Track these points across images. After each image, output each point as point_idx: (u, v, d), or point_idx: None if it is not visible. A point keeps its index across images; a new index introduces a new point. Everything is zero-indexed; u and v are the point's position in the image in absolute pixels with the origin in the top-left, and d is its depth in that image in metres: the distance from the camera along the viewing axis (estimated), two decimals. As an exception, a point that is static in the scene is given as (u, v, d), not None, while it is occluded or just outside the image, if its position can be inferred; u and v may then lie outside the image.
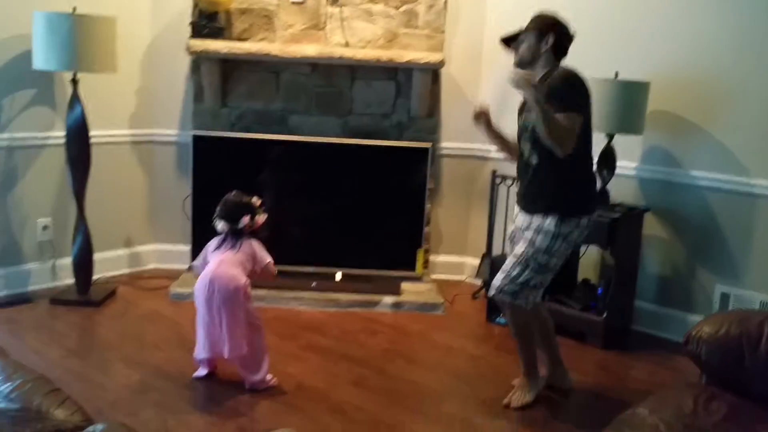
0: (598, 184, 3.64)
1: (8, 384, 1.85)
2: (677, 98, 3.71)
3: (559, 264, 2.89)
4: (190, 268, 3.01)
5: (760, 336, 2.15)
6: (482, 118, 2.96)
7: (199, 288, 2.89)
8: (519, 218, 2.98)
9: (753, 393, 2.11)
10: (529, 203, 2.90)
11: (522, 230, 2.93)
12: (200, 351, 2.96)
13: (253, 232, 3.01)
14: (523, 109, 2.96)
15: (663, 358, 3.54)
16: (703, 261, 3.71)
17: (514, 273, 2.84)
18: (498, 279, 2.89)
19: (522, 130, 2.93)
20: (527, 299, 2.87)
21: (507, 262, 2.91)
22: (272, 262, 3.04)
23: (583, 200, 2.87)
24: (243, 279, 2.88)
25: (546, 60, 2.83)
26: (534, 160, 2.86)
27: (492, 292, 2.92)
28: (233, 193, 3.04)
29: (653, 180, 3.83)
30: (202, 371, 3.05)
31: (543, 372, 3.11)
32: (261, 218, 3.01)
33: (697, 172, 3.68)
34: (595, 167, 3.59)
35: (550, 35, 2.82)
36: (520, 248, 2.86)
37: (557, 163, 2.76)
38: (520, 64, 2.87)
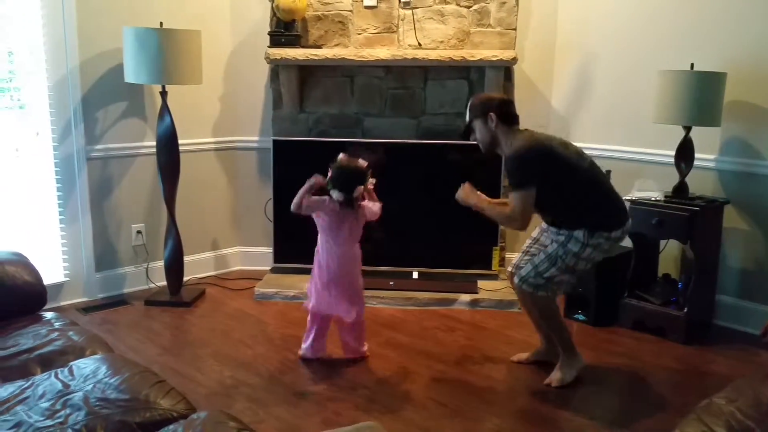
0: (677, 178, 3.60)
1: (117, 377, 2.01)
2: (755, 88, 3.62)
3: (587, 268, 3.07)
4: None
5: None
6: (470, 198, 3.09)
7: (330, 263, 3.13)
8: (545, 229, 3.13)
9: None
10: (555, 224, 3.04)
11: (548, 237, 3.08)
12: (320, 306, 3.19)
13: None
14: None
15: (745, 352, 3.48)
16: (787, 253, 3.61)
17: (542, 268, 2.97)
18: (525, 269, 3.03)
19: None
20: (549, 291, 3.00)
21: (538, 255, 3.03)
22: (380, 206, 3.16)
23: (605, 218, 2.95)
24: (359, 251, 3.19)
25: (503, 135, 2.97)
26: (548, 220, 3.07)
27: (516, 279, 3.06)
28: (345, 158, 3.13)
29: (733, 172, 3.74)
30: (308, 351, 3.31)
31: (542, 343, 3.28)
32: (371, 183, 3.12)
33: (777, 162, 3.59)
34: (672, 160, 3.56)
35: (490, 116, 2.96)
36: (551, 247, 2.99)
37: (568, 210, 2.95)
38: (484, 148, 3.06)
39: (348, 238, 3.15)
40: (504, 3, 4.18)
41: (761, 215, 3.68)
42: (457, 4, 4.20)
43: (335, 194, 3.05)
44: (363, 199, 3.10)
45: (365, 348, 3.34)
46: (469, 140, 3.11)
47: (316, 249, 3.20)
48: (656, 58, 3.50)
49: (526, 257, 3.15)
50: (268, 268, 4.41)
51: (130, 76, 3.74)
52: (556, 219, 3.02)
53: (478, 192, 3.09)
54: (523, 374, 3.24)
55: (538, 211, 3.00)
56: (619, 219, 2.98)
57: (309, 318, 3.29)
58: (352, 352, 3.31)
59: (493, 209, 3.05)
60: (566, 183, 2.91)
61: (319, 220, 3.14)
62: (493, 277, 4.32)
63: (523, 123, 4.37)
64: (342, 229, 3.12)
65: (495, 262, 4.31)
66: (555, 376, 3.09)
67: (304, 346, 3.32)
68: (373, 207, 3.13)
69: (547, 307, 3.06)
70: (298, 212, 3.10)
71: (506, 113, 2.98)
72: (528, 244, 3.22)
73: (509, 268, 3.28)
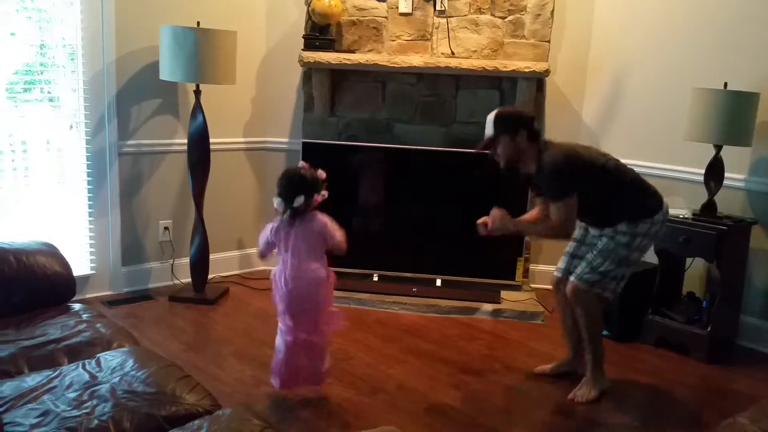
0: (705, 196, 3.57)
1: (144, 370, 2.03)
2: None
3: (639, 259, 3.04)
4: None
5: None
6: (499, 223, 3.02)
7: (285, 277, 2.77)
8: (590, 229, 3.12)
9: None
10: (596, 223, 3.06)
11: (593, 236, 3.08)
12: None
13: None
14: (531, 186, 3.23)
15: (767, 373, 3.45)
16: (813, 276, 3.57)
17: (596, 262, 2.97)
18: (579, 267, 3.02)
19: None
20: (605, 289, 2.98)
21: (591, 253, 3.02)
22: (343, 236, 2.80)
23: (648, 205, 2.98)
24: (323, 272, 2.79)
25: (529, 150, 2.96)
26: (586, 224, 3.10)
27: (572, 278, 3.02)
28: (293, 168, 2.86)
29: (762, 192, 3.71)
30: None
31: (568, 355, 3.26)
32: (320, 197, 2.75)
33: (807, 185, 3.56)
34: (702, 178, 3.55)
35: (520, 129, 2.94)
36: (601, 243, 2.99)
37: (606, 210, 2.98)
38: (506, 163, 3.00)
39: (299, 256, 2.76)
40: (539, 15, 4.17)
41: (789, 237, 3.64)
42: (492, 15, 4.20)
43: (276, 203, 2.75)
44: (307, 209, 2.75)
45: (323, 382, 2.94)
46: (486, 153, 3.05)
47: (272, 274, 2.86)
48: (689, 76, 3.47)
49: (576, 261, 3.12)
50: (292, 269, 4.43)
51: (166, 74, 3.78)
52: (597, 219, 3.03)
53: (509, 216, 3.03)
54: (545, 386, 3.22)
55: (578, 216, 2.99)
56: (656, 202, 3.00)
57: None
58: (309, 381, 2.91)
59: (533, 228, 3.08)
60: (599, 183, 2.94)
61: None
62: (517, 287, 4.30)
63: (553, 135, 4.39)
64: (289, 239, 2.76)
65: (519, 272, 4.29)
66: (581, 392, 3.07)
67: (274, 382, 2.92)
68: (336, 232, 2.79)
69: (595, 311, 3.04)
70: (263, 258, 2.94)
71: (534, 130, 2.99)
72: (572, 246, 3.18)
73: (555, 273, 3.22)
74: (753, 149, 3.66)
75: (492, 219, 3.00)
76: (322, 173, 2.79)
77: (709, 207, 3.60)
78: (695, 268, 3.87)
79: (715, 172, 3.59)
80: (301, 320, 2.81)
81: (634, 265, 3.06)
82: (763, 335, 3.72)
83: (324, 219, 2.80)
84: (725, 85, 3.56)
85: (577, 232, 3.18)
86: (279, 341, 2.88)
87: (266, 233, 2.83)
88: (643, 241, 2.96)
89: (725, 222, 3.51)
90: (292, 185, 2.74)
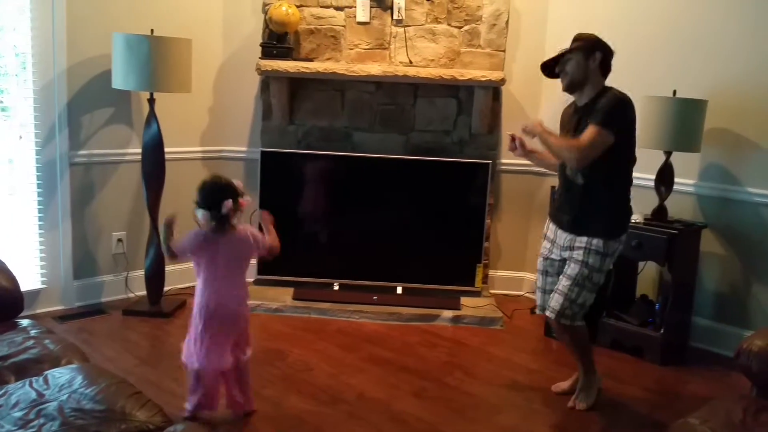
0: (656, 201, 3.65)
1: (93, 387, 1.97)
2: (735, 116, 3.69)
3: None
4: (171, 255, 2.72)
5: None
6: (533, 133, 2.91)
7: (210, 302, 2.65)
8: (559, 235, 3.00)
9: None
10: (575, 225, 2.93)
11: (563, 248, 2.97)
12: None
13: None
14: (566, 124, 2.98)
15: (719, 373, 3.53)
16: (760, 277, 3.67)
17: (574, 295, 2.89)
18: (557, 302, 2.92)
19: None
20: (581, 318, 2.96)
21: (562, 284, 2.93)
22: (273, 237, 2.77)
23: (625, 220, 2.94)
24: (246, 288, 2.75)
25: (595, 79, 2.85)
26: (579, 180, 2.89)
27: (552, 315, 2.95)
28: (211, 176, 2.74)
29: (711, 197, 3.81)
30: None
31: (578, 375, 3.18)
32: (245, 200, 2.65)
33: (754, 189, 3.66)
34: (653, 183, 3.62)
35: (597, 52, 2.84)
36: (573, 270, 2.89)
37: (605, 184, 2.84)
38: (570, 85, 2.88)
39: (227, 269, 2.66)
40: (494, 25, 4.21)
41: (737, 240, 3.74)
42: (449, 24, 4.22)
43: (200, 215, 2.61)
44: (234, 216, 2.64)
45: (253, 402, 2.85)
46: (553, 68, 2.90)
47: (195, 293, 2.71)
48: (640, 84, 3.55)
49: (548, 296, 3.04)
50: (251, 280, 4.37)
51: (119, 83, 3.71)
52: (580, 210, 2.89)
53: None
54: (505, 392, 3.24)
55: (566, 199, 2.93)
56: (627, 220, 2.95)
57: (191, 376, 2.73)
58: (238, 406, 2.80)
59: (558, 138, 2.85)
60: (626, 150, 2.83)
61: (193, 258, 2.68)
62: (476, 293, 4.32)
63: (508, 143, 4.44)
64: (217, 258, 2.64)
65: (478, 279, 4.31)
66: (581, 401, 3.06)
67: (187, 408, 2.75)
68: (264, 237, 2.75)
69: (582, 335, 3.01)
70: (173, 257, 2.73)
71: (608, 62, 2.86)
72: (546, 282, 3.08)
73: (542, 312, 3.13)
74: (702, 155, 3.75)
75: (530, 122, 2.92)
76: (239, 182, 2.67)
77: (660, 212, 3.68)
78: (648, 272, 3.94)
79: (665, 177, 3.67)
80: (225, 339, 2.67)
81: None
82: (714, 336, 3.80)
83: (247, 227, 2.73)
84: (674, 93, 3.64)
85: (544, 247, 3.09)
86: (195, 363, 2.66)
87: (191, 239, 2.66)
88: (611, 262, 2.92)
89: (676, 226, 3.59)
90: (216, 191, 2.60)
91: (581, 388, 3.09)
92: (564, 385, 3.24)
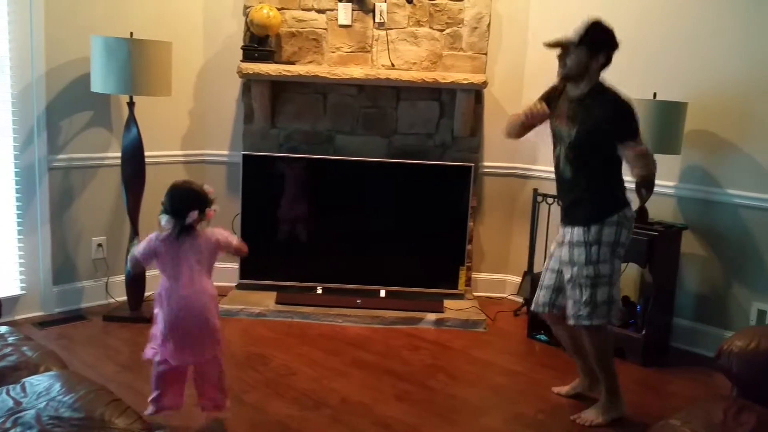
0: (637, 203, 3.66)
1: (72, 394, 1.94)
2: (714, 119, 3.72)
3: (620, 266, 2.88)
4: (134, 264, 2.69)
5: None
6: (534, 117, 2.89)
7: (173, 305, 2.59)
8: (560, 233, 3.01)
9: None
10: (569, 217, 2.93)
11: (560, 244, 2.96)
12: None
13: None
14: (561, 111, 2.91)
15: (700, 374, 3.55)
16: (740, 278, 3.70)
17: (584, 296, 2.83)
18: (570, 309, 2.88)
19: (557, 138, 2.95)
20: (605, 316, 2.84)
21: (570, 290, 2.88)
22: (238, 239, 2.73)
23: (618, 200, 2.87)
24: (214, 289, 2.68)
25: (594, 74, 2.80)
26: (567, 173, 2.89)
27: (571, 321, 2.89)
28: (181, 182, 2.68)
29: (691, 198, 3.84)
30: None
31: (579, 377, 3.18)
32: (212, 211, 2.59)
33: (734, 191, 3.69)
34: (633, 185, 3.63)
35: (602, 54, 2.78)
36: (575, 270, 2.84)
37: (591, 175, 2.82)
38: (566, 78, 2.83)
39: (191, 274, 2.58)
40: (476, 28, 4.22)
41: (717, 241, 3.77)
42: (431, 28, 4.23)
43: (164, 221, 2.55)
44: (199, 223, 2.57)
45: (227, 402, 2.74)
46: (557, 52, 2.81)
47: (158, 293, 2.64)
48: (620, 86, 3.57)
49: (558, 294, 3.00)
50: (234, 284, 4.34)
51: (98, 86, 3.67)
52: (575, 203, 2.88)
53: None
54: (488, 394, 3.24)
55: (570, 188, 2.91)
56: (625, 197, 2.91)
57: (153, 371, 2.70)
58: (209, 407, 2.73)
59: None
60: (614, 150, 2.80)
61: (157, 262, 2.62)
62: (459, 296, 4.32)
63: (494, 146, 4.47)
64: (180, 265, 2.57)
65: (461, 281, 4.31)
66: (587, 415, 2.96)
67: (150, 407, 2.70)
68: (229, 238, 2.70)
69: (605, 344, 2.91)
70: (137, 265, 2.70)
71: (610, 61, 2.81)
72: (553, 279, 3.01)
73: (537, 309, 3.10)
74: (682, 157, 3.78)
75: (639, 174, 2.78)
76: (210, 189, 2.62)
77: (641, 213, 3.69)
78: (629, 273, 3.95)
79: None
80: (190, 343, 2.60)
81: (618, 275, 2.89)
82: (695, 337, 3.83)
83: (211, 231, 2.65)
84: (654, 95, 3.66)
85: (551, 262, 3.03)
86: (159, 358, 2.64)
87: (151, 243, 2.60)
88: (617, 250, 2.83)
89: (656, 228, 3.62)
90: (184, 200, 2.54)
91: (597, 406, 2.97)
92: (563, 389, 3.24)
